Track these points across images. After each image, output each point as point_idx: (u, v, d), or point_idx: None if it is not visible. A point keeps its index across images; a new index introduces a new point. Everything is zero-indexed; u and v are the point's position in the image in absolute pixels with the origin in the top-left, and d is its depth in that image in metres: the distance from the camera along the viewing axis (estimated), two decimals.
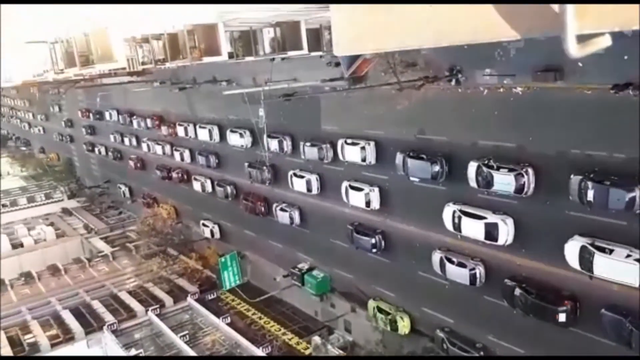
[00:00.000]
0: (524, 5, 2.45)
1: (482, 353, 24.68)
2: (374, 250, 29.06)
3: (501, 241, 22.16)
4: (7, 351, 38.22)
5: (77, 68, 33.10)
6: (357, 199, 29.17)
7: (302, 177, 33.19)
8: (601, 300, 19.72)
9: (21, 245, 58.92)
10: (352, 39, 2.97)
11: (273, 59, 27.64)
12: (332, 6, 2.84)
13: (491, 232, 22.23)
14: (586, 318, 20.68)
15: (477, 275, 23.87)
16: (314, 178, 32.51)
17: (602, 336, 19.89)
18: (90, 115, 64.29)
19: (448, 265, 24.88)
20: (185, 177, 47.53)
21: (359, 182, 29.07)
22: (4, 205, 72.50)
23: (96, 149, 67.27)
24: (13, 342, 39.55)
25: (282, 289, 38.09)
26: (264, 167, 35.89)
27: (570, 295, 21.03)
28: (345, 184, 29.80)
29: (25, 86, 59.03)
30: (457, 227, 23.48)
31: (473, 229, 22.88)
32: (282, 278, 37.54)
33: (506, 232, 21.95)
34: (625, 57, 15.13)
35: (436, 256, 25.48)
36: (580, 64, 17.50)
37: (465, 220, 23.11)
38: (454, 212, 23.50)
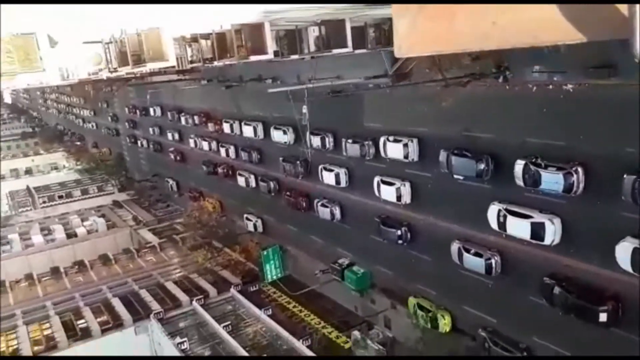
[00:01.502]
0: (589, 6, 2.55)
1: (525, 354, 24.25)
2: (400, 241, 29.95)
3: (547, 241, 21.69)
4: (61, 335, 40.39)
5: (130, 67, 34.70)
6: (388, 193, 29.66)
7: (331, 170, 34.17)
8: None
9: (75, 235, 61.95)
10: (414, 42, 3.14)
11: (313, 57, 28.00)
12: (395, 11, 3.02)
13: (537, 231, 21.80)
14: (630, 319, 20.14)
15: (493, 264, 24.54)
16: (342, 172, 33.55)
17: None
18: (137, 111, 67.34)
19: (465, 254, 25.68)
20: (230, 172, 48.70)
21: (390, 177, 29.59)
22: (60, 197, 76.50)
23: (138, 142, 71.80)
24: (67, 326, 41.69)
25: (323, 283, 38.50)
26: (297, 162, 37.22)
27: (612, 295, 20.69)
28: (377, 178, 30.20)
29: (81, 84, 62.01)
30: (502, 226, 23.15)
31: (519, 228, 22.52)
32: (322, 273, 37.92)
33: (553, 231, 21.47)
34: None
35: (454, 246, 26.36)
36: (636, 60, 16.88)
37: (510, 219, 22.76)
38: (499, 210, 23.18)
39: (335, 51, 23.38)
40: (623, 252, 19.11)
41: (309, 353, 34.00)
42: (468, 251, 25.70)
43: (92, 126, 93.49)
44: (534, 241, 22.15)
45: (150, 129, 64.76)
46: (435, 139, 26.52)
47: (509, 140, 22.92)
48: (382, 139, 29.21)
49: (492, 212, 23.54)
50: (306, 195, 38.51)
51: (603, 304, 20.52)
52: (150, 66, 36.29)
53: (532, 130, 21.93)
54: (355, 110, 31.47)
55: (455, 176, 25.16)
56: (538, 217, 21.85)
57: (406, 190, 28.92)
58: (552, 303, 22.21)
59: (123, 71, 41.48)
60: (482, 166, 23.48)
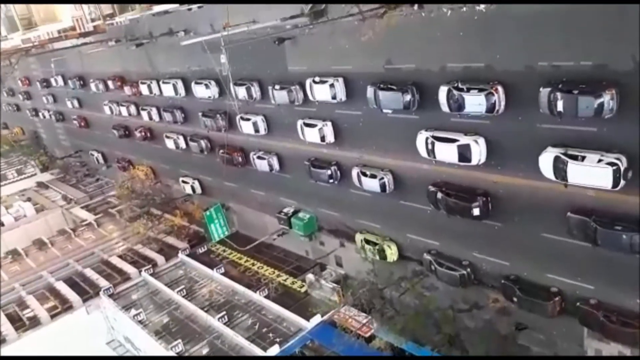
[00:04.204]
0: None
1: (468, 270, 25.73)
2: (331, 180, 30.60)
3: (474, 161, 22.55)
4: (8, 328, 38.70)
5: (20, 32, 31.37)
6: (312, 135, 29.83)
7: (248, 119, 34.02)
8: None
9: (2, 224, 58.05)
10: None
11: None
12: None
13: (464, 153, 22.57)
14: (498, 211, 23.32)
15: (386, 183, 27.19)
16: (259, 119, 33.59)
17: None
18: (37, 83, 63.55)
19: (363, 178, 28.11)
20: (148, 134, 47.37)
21: (313, 119, 29.85)
22: None
23: (40, 114, 69.19)
24: (12, 318, 40.07)
25: (271, 234, 38.61)
26: (217, 115, 36.59)
27: (482, 193, 23.33)
28: (299, 122, 30.19)
29: None
30: (432, 152, 23.78)
31: (446, 153, 23.22)
32: (278, 236, 37.78)
33: (478, 152, 22.28)
34: None
35: (354, 171, 28.54)
36: None
37: (438, 145, 23.37)
38: (427, 138, 23.70)
39: None
40: (545, 161, 20.18)
41: (268, 303, 34.58)
42: (365, 174, 27.96)
43: None
44: (462, 163, 22.95)
45: (44, 99, 63.12)
46: (360, 76, 26.19)
47: (431, 68, 23.00)
48: (308, 82, 28.55)
49: (421, 140, 24.02)
50: (241, 150, 37.61)
51: (474, 200, 23.17)
52: (43, 29, 33.02)
53: (452, 55, 22.05)
54: (277, 54, 30.32)
55: (384, 111, 25.18)
56: (463, 140, 22.53)
57: (329, 129, 29.12)
58: (438, 207, 24.82)
59: (15, 38, 37.54)
60: (408, 97, 23.57)
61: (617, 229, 19.07)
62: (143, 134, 47.37)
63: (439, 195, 24.39)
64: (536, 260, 23.17)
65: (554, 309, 22.53)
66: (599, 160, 18.60)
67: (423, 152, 24.14)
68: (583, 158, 19.01)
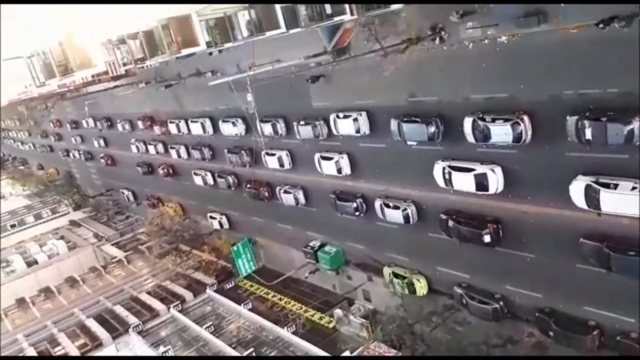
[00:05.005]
0: None
1: (501, 303, 24.99)
2: (357, 213, 30.48)
3: (492, 190, 22.35)
4: None
5: (57, 78, 32.93)
6: (328, 168, 30.21)
7: (273, 154, 34.57)
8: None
9: (35, 262, 59.43)
10: None
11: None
12: None
13: (482, 182, 22.47)
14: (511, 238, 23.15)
15: (410, 214, 27.16)
16: (284, 154, 34.13)
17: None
18: (67, 125, 67.36)
19: (386, 209, 28.12)
20: (171, 171, 49.25)
21: (329, 152, 30.45)
22: (12, 226, 72.91)
23: (70, 154, 73.08)
24: (43, 356, 40.34)
25: (299, 268, 38.46)
26: (242, 151, 37.54)
27: (493, 220, 23.26)
28: (317, 155, 30.69)
29: (12, 105, 58.66)
30: (449, 182, 23.76)
31: (463, 182, 23.18)
32: (305, 267, 37.63)
33: (496, 180, 22.11)
34: None
35: (377, 203, 28.55)
36: (562, 5, 17.26)
37: (455, 175, 23.34)
38: (444, 168, 23.73)
39: (269, 33, 22.83)
40: (576, 190, 19.79)
41: (295, 339, 34.09)
42: (388, 206, 27.58)
43: (30, 147, 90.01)
44: (480, 192, 22.79)
45: (73, 139, 66.94)
46: (383, 109, 26.46)
47: (455, 100, 23.11)
48: (332, 117, 28.98)
49: (438, 170, 24.07)
50: (267, 185, 38.03)
51: (485, 227, 23.08)
52: (78, 75, 34.56)
53: (474, 86, 22.15)
54: (301, 91, 31.00)
55: (408, 143, 25.26)
56: (480, 169, 22.43)
57: (345, 162, 29.57)
58: (450, 235, 24.74)
59: (52, 84, 39.36)
60: (432, 129, 23.65)
61: (630, 254, 18.76)
62: (165, 170, 49.40)
63: (450, 223, 24.46)
64: (571, 292, 22.40)
65: (593, 344, 21.59)
66: (633, 188, 18.16)
67: (440, 182, 24.19)
68: (616, 186, 18.60)
